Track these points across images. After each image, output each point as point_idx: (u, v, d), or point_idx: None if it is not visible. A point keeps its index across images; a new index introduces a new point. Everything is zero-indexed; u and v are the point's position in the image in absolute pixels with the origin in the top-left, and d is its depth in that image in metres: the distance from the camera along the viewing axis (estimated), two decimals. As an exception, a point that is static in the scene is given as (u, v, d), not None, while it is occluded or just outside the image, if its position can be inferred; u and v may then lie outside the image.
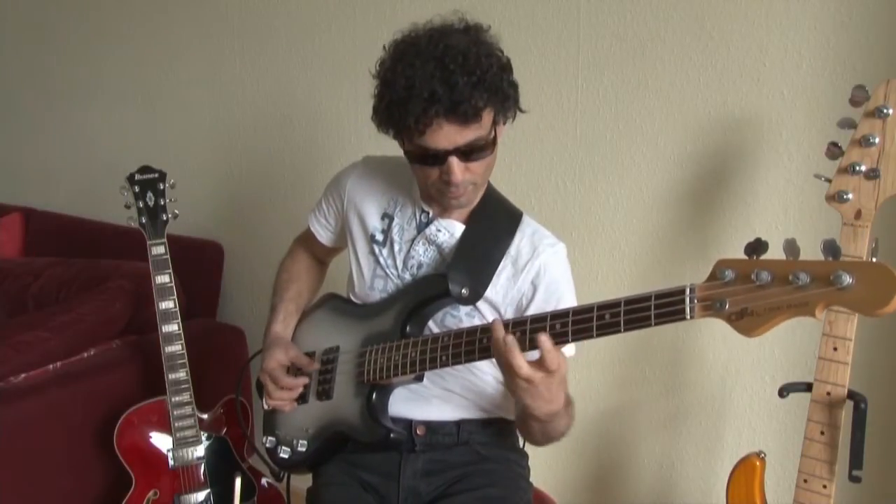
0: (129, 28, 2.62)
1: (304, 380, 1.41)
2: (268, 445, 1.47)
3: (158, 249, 1.77)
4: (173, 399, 1.77)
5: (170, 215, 1.80)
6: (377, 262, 1.39)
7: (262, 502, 1.88)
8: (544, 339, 1.04)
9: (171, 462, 1.80)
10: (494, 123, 1.21)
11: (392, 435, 1.31)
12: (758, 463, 1.40)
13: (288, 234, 1.66)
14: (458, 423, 1.38)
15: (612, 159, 1.76)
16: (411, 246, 1.35)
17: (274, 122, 2.34)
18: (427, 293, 1.31)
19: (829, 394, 1.29)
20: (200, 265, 2.38)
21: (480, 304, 1.31)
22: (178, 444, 1.79)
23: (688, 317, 0.94)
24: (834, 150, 1.28)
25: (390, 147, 1.37)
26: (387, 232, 1.38)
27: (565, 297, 1.32)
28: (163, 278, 1.77)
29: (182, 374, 1.77)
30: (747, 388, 1.69)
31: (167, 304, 1.77)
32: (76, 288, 2.19)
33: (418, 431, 1.37)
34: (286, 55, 2.27)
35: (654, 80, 1.68)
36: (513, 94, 1.22)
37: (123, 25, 2.63)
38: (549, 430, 1.25)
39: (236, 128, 2.43)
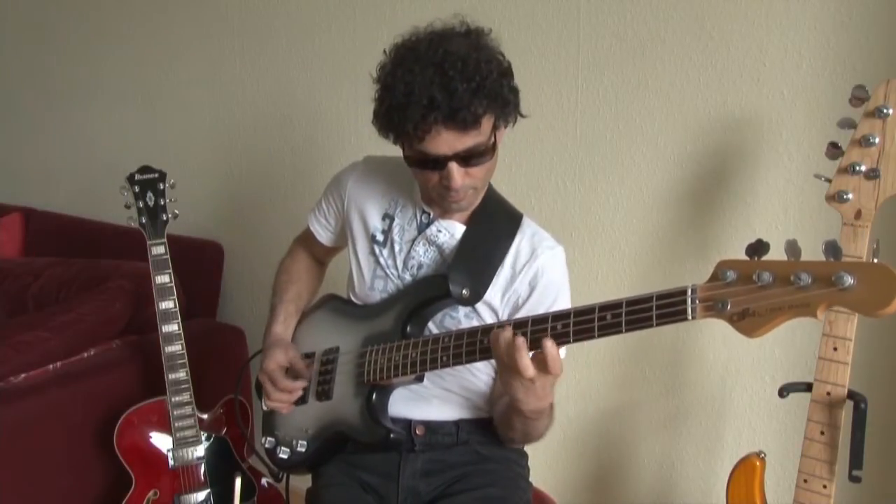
0: (129, 28, 2.62)
1: (302, 383, 1.41)
2: (267, 446, 1.47)
3: (158, 249, 1.77)
4: (173, 399, 1.77)
5: (170, 215, 1.80)
6: (377, 262, 1.39)
7: (262, 502, 1.88)
8: (550, 345, 1.04)
9: (171, 462, 1.80)
10: (494, 129, 1.21)
11: (392, 435, 1.31)
12: (758, 463, 1.40)
13: (288, 234, 1.66)
14: (458, 423, 1.39)
15: (612, 159, 1.76)
16: (412, 246, 1.36)
17: (274, 122, 2.34)
18: (428, 294, 1.31)
19: (829, 394, 1.29)
20: (200, 265, 2.38)
21: (479, 304, 1.31)
22: (178, 444, 1.79)
23: (689, 317, 0.94)
24: (834, 151, 1.28)
25: (391, 148, 1.36)
26: (387, 232, 1.38)
27: (560, 299, 1.32)
28: (163, 278, 1.77)
29: (182, 374, 1.77)
30: (747, 388, 1.69)
31: (167, 304, 1.77)
32: (76, 288, 2.19)
33: (417, 431, 1.37)
34: (286, 55, 2.27)
35: (654, 80, 1.68)
36: (513, 99, 1.21)
37: (123, 25, 2.63)
38: (530, 429, 1.25)
39: (236, 128, 2.43)
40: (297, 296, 1.54)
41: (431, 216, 1.35)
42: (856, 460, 1.26)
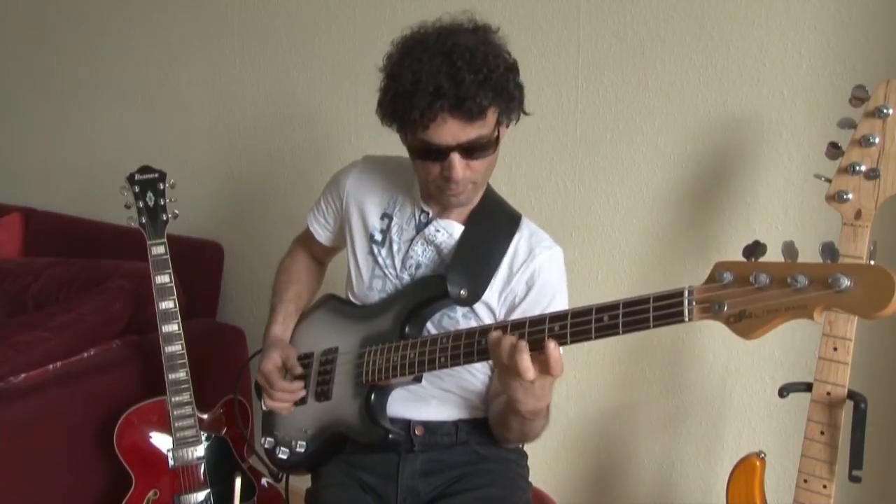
0: (129, 28, 2.62)
1: (299, 384, 1.40)
2: (266, 446, 1.47)
3: (158, 249, 1.77)
4: (173, 399, 1.77)
5: (170, 215, 1.80)
6: (376, 262, 1.39)
7: (262, 502, 1.88)
8: (552, 347, 1.04)
9: (171, 462, 1.80)
10: (498, 124, 1.21)
11: (390, 436, 1.31)
12: (758, 463, 1.40)
13: (288, 233, 1.66)
14: (457, 424, 1.39)
15: (612, 159, 1.76)
16: (410, 246, 1.36)
17: (274, 122, 2.34)
18: (426, 294, 1.31)
19: (829, 394, 1.29)
20: (200, 265, 2.38)
21: (477, 304, 1.31)
22: (178, 444, 1.79)
23: (686, 319, 0.94)
24: (834, 151, 1.28)
25: (390, 147, 1.37)
26: (386, 232, 1.38)
27: (557, 299, 1.32)
28: (163, 278, 1.77)
29: (182, 374, 1.77)
30: (747, 388, 1.69)
31: (167, 304, 1.77)
32: (76, 288, 2.19)
33: (417, 432, 1.37)
34: (286, 55, 2.27)
35: (654, 80, 1.68)
36: (518, 95, 1.22)
37: (123, 25, 2.63)
38: (526, 429, 1.26)
39: (236, 128, 2.43)
40: (296, 296, 1.54)
41: (430, 215, 1.35)
42: (856, 460, 1.26)
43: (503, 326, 1.11)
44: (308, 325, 1.51)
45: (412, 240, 1.36)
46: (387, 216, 1.39)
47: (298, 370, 1.41)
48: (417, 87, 1.12)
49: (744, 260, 0.90)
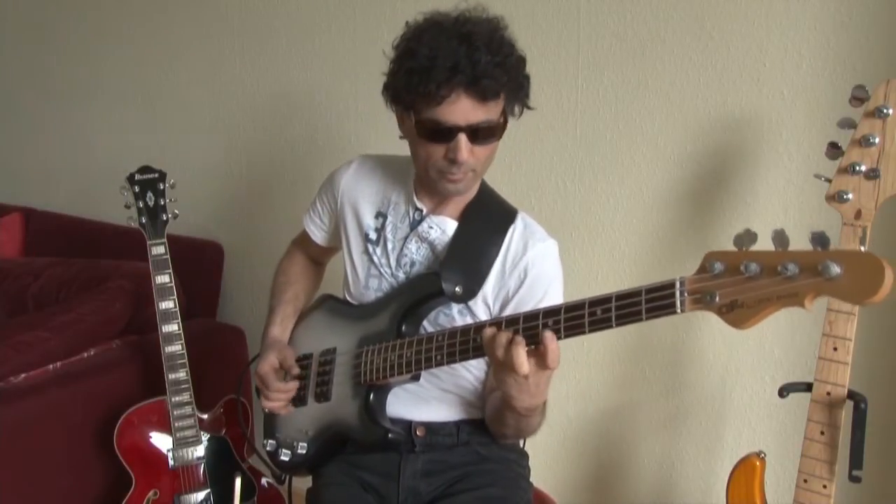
0: (129, 28, 2.62)
1: (295, 384, 1.40)
2: (268, 449, 1.47)
3: (158, 249, 1.77)
4: (173, 399, 1.77)
5: (170, 215, 1.80)
6: (371, 261, 1.39)
7: (262, 502, 1.88)
8: (549, 338, 1.04)
9: (171, 462, 1.80)
10: (503, 113, 1.22)
11: (390, 435, 1.31)
12: (758, 463, 1.40)
13: (288, 234, 1.66)
14: (458, 424, 1.39)
15: (612, 159, 1.76)
16: (404, 244, 1.36)
17: (274, 122, 2.34)
18: (421, 292, 1.31)
19: (829, 394, 1.29)
20: (200, 265, 2.38)
21: (473, 301, 1.31)
22: (178, 444, 1.79)
23: (678, 310, 0.93)
24: (834, 151, 1.28)
25: (391, 147, 1.37)
26: (380, 231, 1.38)
27: (551, 293, 1.31)
28: (163, 278, 1.77)
29: (182, 374, 1.77)
30: (747, 388, 1.69)
31: (167, 304, 1.77)
32: (76, 288, 2.19)
33: (418, 432, 1.37)
34: (286, 55, 2.27)
35: (654, 80, 1.68)
36: (526, 86, 1.24)
37: (123, 25, 2.63)
38: (522, 425, 1.25)
39: (236, 128, 2.43)
40: (294, 297, 1.54)
41: (423, 212, 1.35)
42: (856, 460, 1.26)
43: (497, 323, 1.11)
44: (306, 325, 1.51)
45: (406, 238, 1.36)
46: (381, 215, 1.39)
47: (296, 370, 1.41)
48: (435, 62, 1.13)
49: (734, 249, 0.90)
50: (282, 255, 1.64)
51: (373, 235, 1.39)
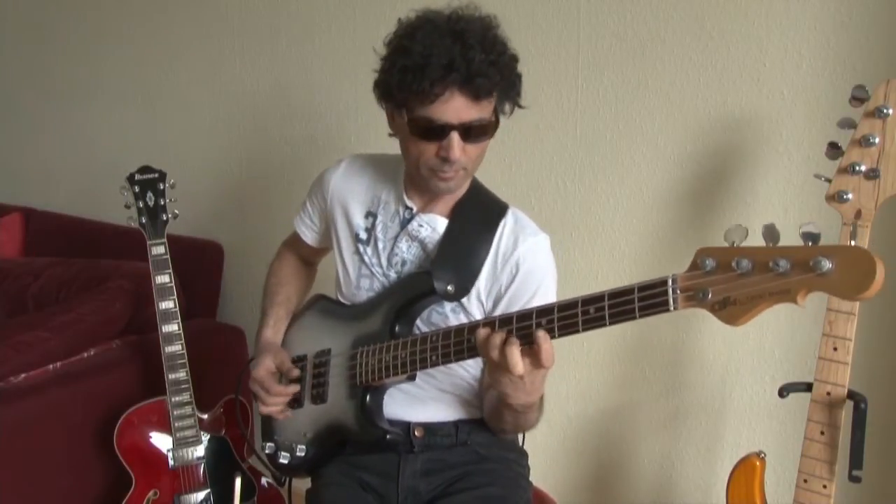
0: (129, 28, 2.62)
1: (294, 387, 1.40)
2: (267, 451, 1.46)
3: (158, 249, 1.77)
4: (173, 399, 1.77)
5: (170, 215, 1.80)
6: (362, 261, 1.38)
7: (262, 502, 1.88)
8: (543, 338, 1.03)
9: (171, 462, 1.80)
10: (496, 111, 1.22)
11: (388, 436, 1.30)
12: (758, 463, 1.40)
13: (287, 233, 1.66)
14: (457, 424, 1.38)
15: (612, 159, 1.76)
16: (395, 243, 1.35)
17: (274, 121, 2.34)
18: (413, 292, 1.30)
19: (829, 394, 1.29)
20: (200, 265, 2.38)
21: (466, 298, 1.31)
22: (178, 444, 1.79)
23: (671, 308, 0.93)
24: (834, 151, 1.28)
25: (391, 147, 1.37)
26: (371, 230, 1.38)
27: (544, 287, 1.30)
28: (163, 278, 1.77)
29: (182, 374, 1.77)
30: (747, 388, 1.69)
31: (167, 304, 1.77)
32: (76, 288, 2.19)
33: (416, 433, 1.36)
34: (286, 55, 2.27)
35: (654, 80, 1.68)
36: (518, 85, 1.24)
37: (123, 25, 2.63)
38: (520, 421, 1.25)
39: (236, 128, 2.43)
40: (286, 299, 1.53)
41: (413, 211, 1.35)
42: (856, 460, 1.26)
43: (490, 323, 1.10)
44: (300, 327, 1.50)
45: (397, 237, 1.35)
46: (371, 215, 1.39)
47: (295, 373, 1.40)
48: (429, 60, 1.12)
49: (725, 245, 0.89)
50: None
51: (363, 235, 1.38)
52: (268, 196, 2.40)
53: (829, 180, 1.27)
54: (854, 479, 1.25)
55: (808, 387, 1.33)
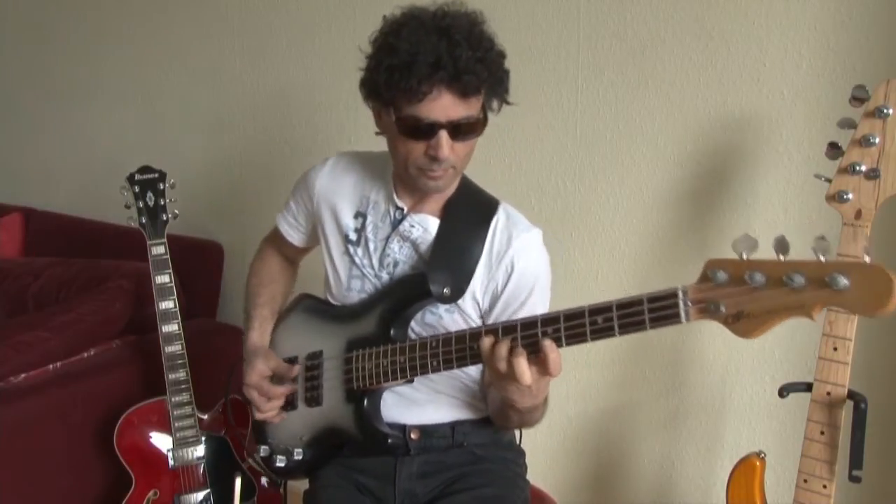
0: (129, 28, 2.62)
1: (288, 388, 1.39)
2: (262, 454, 1.44)
3: (158, 249, 1.77)
4: (173, 399, 1.77)
5: (170, 215, 1.80)
6: (353, 262, 1.36)
7: (262, 502, 1.88)
8: (550, 347, 1.03)
9: (171, 462, 1.79)
10: (484, 108, 1.21)
11: (389, 440, 1.30)
12: (758, 463, 1.40)
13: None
14: (453, 425, 1.37)
15: (612, 159, 1.76)
16: (386, 244, 1.33)
17: (274, 122, 2.34)
18: (408, 295, 1.29)
19: (829, 394, 1.29)
20: (200, 265, 2.38)
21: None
22: (178, 444, 1.79)
23: (683, 320, 0.92)
24: (834, 151, 1.28)
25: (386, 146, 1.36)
26: (360, 231, 1.36)
27: (539, 284, 1.30)
28: (163, 278, 1.77)
29: (182, 374, 1.77)
30: (747, 388, 1.69)
31: (167, 304, 1.77)
32: (76, 288, 2.19)
33: (412, 436, 1.35)
34: (286, 55, 2.27)
35: (654, 80, 1.68)
36: (505, 81, 1.22)
37: (123, 25, 2.63)
38: (526, 419, 1.25)
39: (236, 128, 2.43)
40: (270, 299, 1.51)
41: (404, 211, 1.33)
42: (856, 460, 1.26)
43: (494, 331, 1.09)
44: (287, 327, 1.48)
45: (388, 237, 1.33)
46: (360, 215, 1.37)
47: (295, 372, 1.39)
48: (416, 58, 1.11)
49: (736, 257, 0.89)
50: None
51: (353, 236, 1.36)
52: (268, 196, 2.40)
53: (829, 180, 1.27)
54: (854, 479, 1.25)
55: (808, 387, 1.33)
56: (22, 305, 2.26)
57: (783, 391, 1.37)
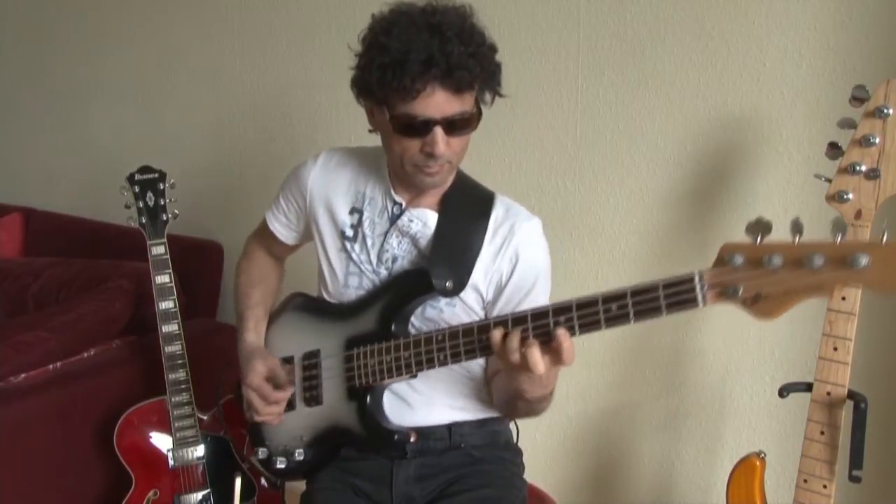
0: (129, 28, 2.62)
1: (289, 391, 1.37)
2: (260, 457, 1.43)
3: (158, 249, 1.77)
4: (173, 399, 1.77)
5: (170, 215, 1.80)
6: (350, 258, 1.35)
7: (261, 502, 1.88)
8: (564, 336, 1.02)
9: (171, 462, 1.79)
10: (477, 102, 1.21)
11: (396, 436, 1.29)
12: (758, 463, 1.40)
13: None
14: (449, 427, 1.36)
15: (612, 159, 1.76)
16: (384, 239, 1.33)
17: (274, 121, 2.34)
18: (410, 290, 1.28)
19: (829, 394, 1.29)
20: (200, 265, 2.38)
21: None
22: (178, 444, 1.79)
23: (700, 305, 0.93)
24: (834, 151, 1.28)
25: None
26: (357, 227, 1.35)
27: (542, 274, 1.30)
28: (163, 278, 1.77)
29: (182, 374, 1.77)
30: (747, 388, 1.69)
31: (167, 304, 1.77)
32: (76, 288, 2.19)
33: (410, 439, 1.33)
34: (286, 55, 2.27)
35: (654, 80, 1.68)
36: (497, 74, 1.22)
37: (123, 25, 2.63)
38: (533, 409, 1.24)
39: (236, 128, 2.43)
40: (262, 299, 1.50)
41: (403, 206, 1.33)
42: (856, 460, 1.26)
43: (503, 322, 1.09)
44: (281, 327, 1.47)
45: (386, 233, 1.33)
46: (356, 210, 1.36)
47: (292, 376, 1.38)
48: (408, 56, 1.11)
49: (750, 240, 0.89)
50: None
51: (349, 232, 1.35)
52: (268, 196, 2.37)
53: (829, 180, 1.27)
54: (854, 479, 1.25)
55: (808, 387, 1.33)
56: (22, 305, 2.26)
57: (783, 391, 1.37)
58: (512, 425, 1.46)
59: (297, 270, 1.64)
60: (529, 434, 1.46)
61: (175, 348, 1.77)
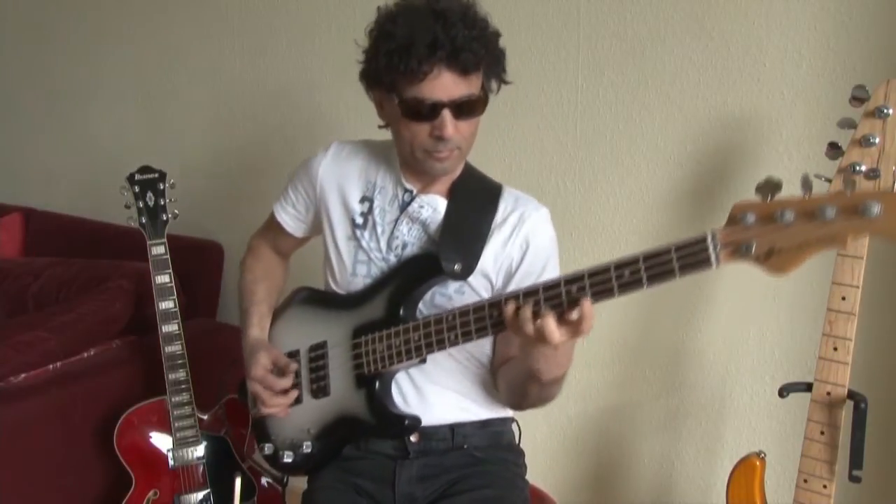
0: (129, 28, 2.62)
1: (294, 368, 1.37)
2: (267, 452, 1.43)
3: (158, 249, 1.78)
4: (173, 399, 1.77)
5: (170, 215, 1.80)
6: (359, 246, 1.36)
7: (262, 502, 1.88)
8: (587, 303, 1.02)
9: (171, 462, 1.80)
10: (483, 87, 1.23)
11: (406, 422, 1.29)
12: (758, 463, 1.40)
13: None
14: (452, 428, 1.36)
15: (612, 159, 1.76)
16: (395, 226, 1.33)
17: (274, 121, 2.34)
18: (419, 274, 1.28)
19: (829, 394, 1.29)
20: (200, 265, 2.38)
21: (471, 275, 1.29)
22: (178, 444, 1.79)
23: (713, 265, 0.93)
24: (834, 151, 1.28)
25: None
26: (367, 215, 1.36)
27: (550, 262, 1.32)
28: (163, 278, 1.77)
29: (182, 374, 1.77)
30: (747, 388, 1.69)
31: (167, 304, 1.77)
32: (76, 288, 2.19)
33: (412, 438, 1.34)
34: (286, 55, 2.27)
35: (654, 80, 1.68)
36: (502, 60, 1.25)
37: (123, 25, 2.63)
38: (545, 394, 1.25)
39: (236, 128, 2.43)
40: (267, 295, 1.51)
41: (413, 193, 1.34)
42: (856, 460, 1.26)
43: (515, 297, 1.08)
44: (286, 321, 1.47)
45: (397, 220, 1.34)
46: (367, 199, 1.37)
47: (294, 366, 1.37)
48: (413, 40, 1.14)
49: (760, 199, 0.90)
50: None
51: (359, 220, 1.36)
52: (268, 196, 2.37)
53: (829, 180, 1.27)
54: (854, 479, 1.25)
55: (808, 387, 1.33)
56: (22, 305, 2.26)
57: (783, 391, 1.37)
58: (514, 426, 1.46)
59: (301, 267, 1.64)
60: (530, 434, 1.46)
61: (175, 348, 1.77)
